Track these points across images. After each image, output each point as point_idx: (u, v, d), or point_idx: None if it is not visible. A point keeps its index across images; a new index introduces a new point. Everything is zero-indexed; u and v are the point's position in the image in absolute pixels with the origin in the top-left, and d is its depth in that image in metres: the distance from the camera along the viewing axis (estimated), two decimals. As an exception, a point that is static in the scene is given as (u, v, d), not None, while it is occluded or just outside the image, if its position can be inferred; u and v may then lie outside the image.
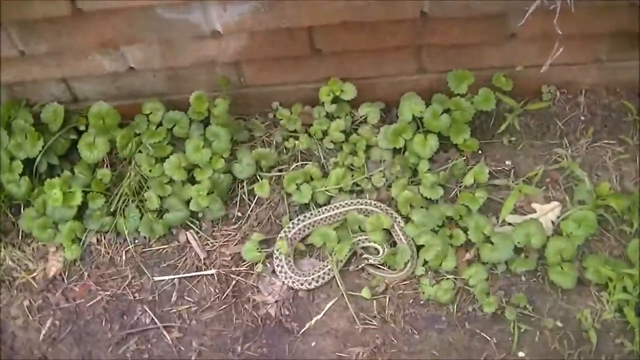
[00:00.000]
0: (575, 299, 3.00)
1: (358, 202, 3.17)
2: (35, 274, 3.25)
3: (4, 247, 3.28)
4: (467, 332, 2.99)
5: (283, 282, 3.10)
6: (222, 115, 3.16)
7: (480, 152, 3.28)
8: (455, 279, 3.04)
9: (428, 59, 3.16)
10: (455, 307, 3.02)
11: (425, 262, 3.06)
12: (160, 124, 3.25)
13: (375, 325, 3.02)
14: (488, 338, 2.97)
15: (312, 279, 3.07)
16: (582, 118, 3.31)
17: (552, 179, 3.22)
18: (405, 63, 3.18)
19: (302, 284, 3.08)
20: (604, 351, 2.91)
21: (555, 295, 3.01)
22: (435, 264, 3.03)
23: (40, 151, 3.20)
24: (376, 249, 3.13)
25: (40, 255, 3.28)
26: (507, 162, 3.28)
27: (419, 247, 3.08)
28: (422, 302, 3.05)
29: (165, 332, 3.11)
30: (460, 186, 3.21)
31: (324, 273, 3.08)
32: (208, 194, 3.15)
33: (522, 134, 3.31)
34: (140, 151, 3.23)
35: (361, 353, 2.98)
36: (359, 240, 3.13)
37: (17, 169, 3.20)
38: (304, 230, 3.16)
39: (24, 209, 3.28)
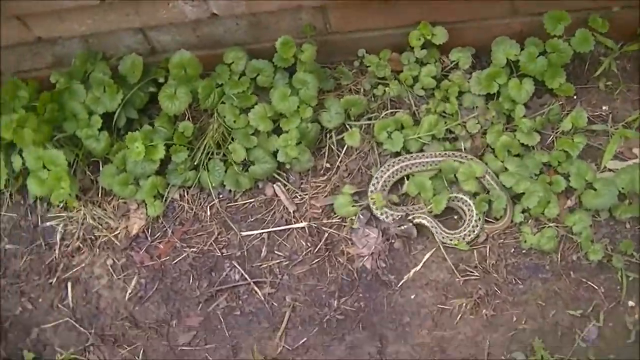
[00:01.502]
0: (683, 245, 2.89)
1: (446, 153, 3.04)
2: (117, 232, 3.16)
3: (84, 206, 3.18)
4: (572, 281, 2.88)
5: (394, 220, 2.98)
6: (309, 61, 3.03)
7: (575, 97, 3.14)
8: (557, 226, 2.92)
9: (520, 1, 3.02)
10: (559, 256, 2.90)
11: (525, 210, 2.95)
12: (242, 74, 3.10)
13: (476, 275, 2.91)
14: (595, 287, 2.86)
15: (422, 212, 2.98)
16: (682, 60, 3.17)
17: (652, 123, 3.09)
18: (497, 5, 3.03)
19: (415, 216, 2.97)
20: None
21: (662, 242, 2.89)
22: (538, 211, 2.91)
23: (119, 105, 3.08)
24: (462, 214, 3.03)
25: (121, 212, 3.18)
26: (603, 107, 3.13)
27: (518, 196, 2.95)
28: (524, 251, 2.94)
29: (256, 288, 3.01)
30: (556, 132, 3.08)
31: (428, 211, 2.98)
32: (296, 144, 3.02)
33: (619, 77, 3.16)
34: (223, 102, 3.09)
35: (464, 304, 2.88)
36: (455, 197, 2.99)
37: (96, 124, 3.09)
38: (389, 180, 3.04)
39: (102, 166, 3.19)
